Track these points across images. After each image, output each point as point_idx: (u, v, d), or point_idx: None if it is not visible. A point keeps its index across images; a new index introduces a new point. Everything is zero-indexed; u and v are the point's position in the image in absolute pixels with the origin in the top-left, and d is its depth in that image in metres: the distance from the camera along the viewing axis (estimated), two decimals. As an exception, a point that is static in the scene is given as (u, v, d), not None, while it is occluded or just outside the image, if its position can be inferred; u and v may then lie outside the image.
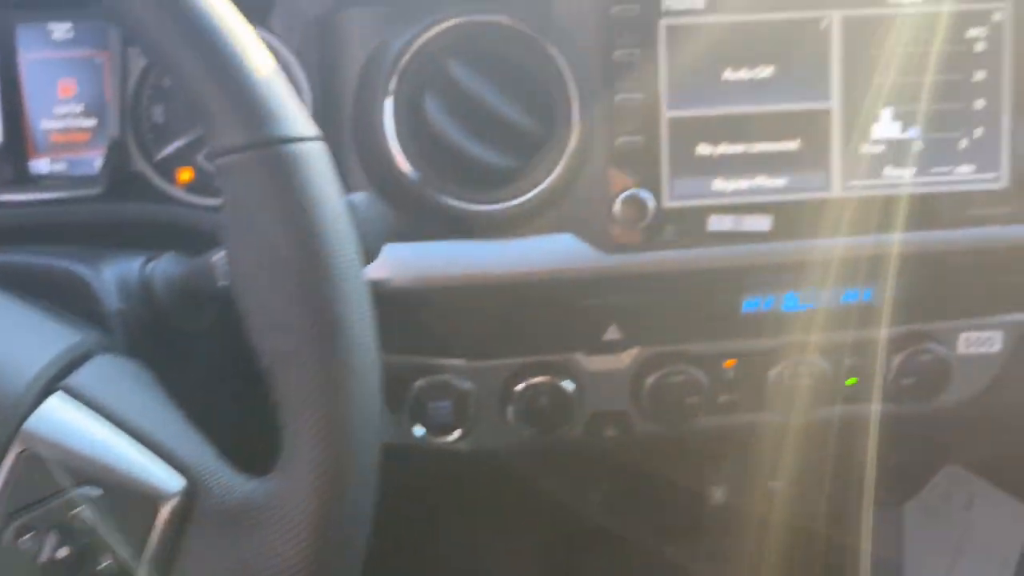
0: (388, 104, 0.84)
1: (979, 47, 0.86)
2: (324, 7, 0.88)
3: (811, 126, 0.86)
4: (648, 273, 0.87)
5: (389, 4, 0.86)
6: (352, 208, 0.54)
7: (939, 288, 0.95)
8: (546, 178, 0.84)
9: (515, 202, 0.84)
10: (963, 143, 0.87)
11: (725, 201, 0.87)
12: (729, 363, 0.97)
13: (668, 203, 0.86)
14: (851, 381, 0.99)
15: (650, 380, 0.94)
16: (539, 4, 0.83)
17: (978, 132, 0.87)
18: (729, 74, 0.85)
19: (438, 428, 0.94)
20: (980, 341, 0.99)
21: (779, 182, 0.87)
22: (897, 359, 0.96)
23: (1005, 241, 0.89)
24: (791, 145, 0.87)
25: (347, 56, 0.87)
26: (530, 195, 0.84)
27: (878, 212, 0.88)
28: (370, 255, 0.71)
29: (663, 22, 0.84)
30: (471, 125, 0.84)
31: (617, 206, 0.84)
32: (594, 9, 0.83)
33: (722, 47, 0.85)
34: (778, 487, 1.14)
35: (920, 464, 1.14)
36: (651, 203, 0.84)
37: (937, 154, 0.87)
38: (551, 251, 0.86)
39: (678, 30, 0.84)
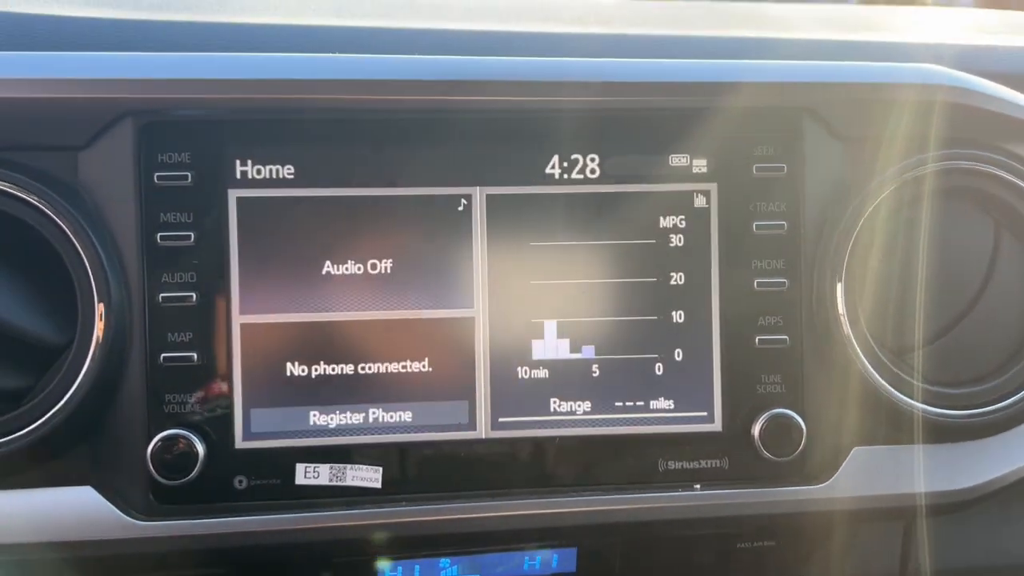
0: None
1: (676, 241, 0.65)
2: None
3: (447, 340, 0.62)
4: (209, 545, 0.60)
5: None
6: None
7: (657, 556, 0.70)
8: (59, 402, 0.58)
9: (17, 436, 0.58)
10: (659, 368, 0.64)
11: (324, 442, 0.61)
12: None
13: (240, 444, 0.61)
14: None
15: None
16: (58, 166, 0.60)
17: (679, 355, 0.64)
18: (331, 267, 0.62)
19: None
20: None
21: (402, 416, 0.62)
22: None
23: (723, 508, 0.64)
24: (419, 365, 0.63)
25: None
26: (37, 424, 0.58)
27: (544, 461, 0.64)
28: None
29: (235, 193, 0.61)
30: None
31: (152, 451, 0.59)
32: (131, 176, 0.60)
33: (321, 232, 0.62)
34: None
35: None
36: (199, 447, 0.59)
37: (623, 383, 0.64)
38: (62, 512, 0.59)
39: (258, 205, 0.61)
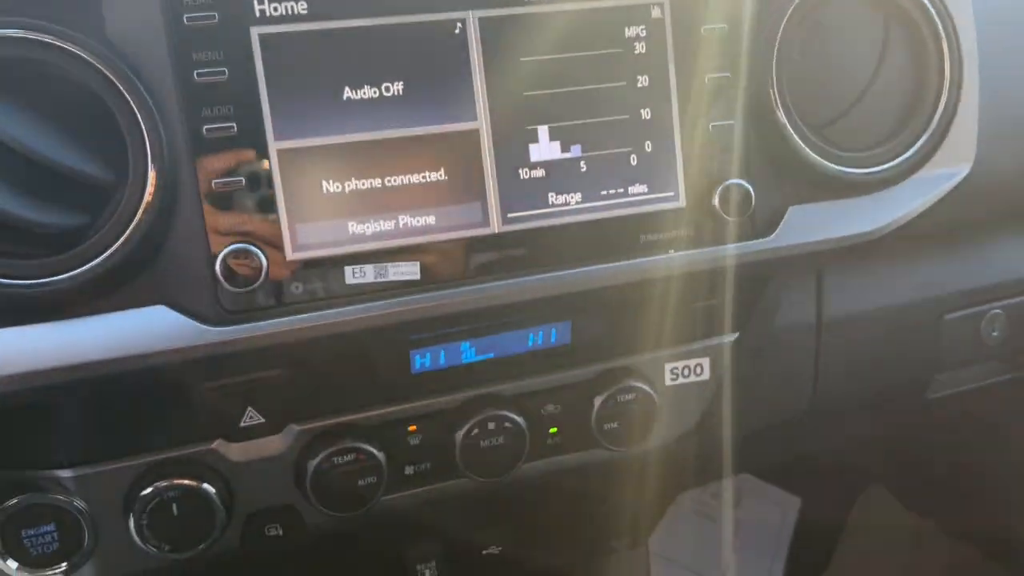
0: None
1: (640, 48, 0.76)
2: None
3: (457, 151, 0.72)
4: (275, 343, 0.70)
5: None
6: None
7: (632, 320, 0.85)
8: (119, 238, 0.64)
9: (84, 270, 0.64)
10: (633, 160, 0.77)
11: (364, 247, 0.71)
12: (412, 429, 0.83)
13: (292, 255, 0.70)
14: (553, 431, 0.88)
15: (313, 464, 0.78)
16: (89, 16, 0.63)
17: (648, 146, 0.77)
18: (351, 92, 0.70)
19: (38, 561, 0.73)
20: (687, 370, 0.90)
21: (427, 220, 0.72)
22: (598, 402, 0.85)
23: (692, 265, 0.79)
24: (436, 175, 0.72)
25: None
26: (101, 259, 0.64)
27: (547, 245, 0.76)
28: None
29: (257, 31, 0.67)
30: (10, 177, 0.63)
31: (220, 266, 0.67)
32: (162, 20, 0.65)
33: (338, 60, 0.69)
34: (496, 552, 1.01)
35: (655, 497, 1.04)
36: (262, 259, 0.67)
37: (606, 175, 0.76)
38: (139, 329, 0.66)
39: (278, 40, 0.67)
